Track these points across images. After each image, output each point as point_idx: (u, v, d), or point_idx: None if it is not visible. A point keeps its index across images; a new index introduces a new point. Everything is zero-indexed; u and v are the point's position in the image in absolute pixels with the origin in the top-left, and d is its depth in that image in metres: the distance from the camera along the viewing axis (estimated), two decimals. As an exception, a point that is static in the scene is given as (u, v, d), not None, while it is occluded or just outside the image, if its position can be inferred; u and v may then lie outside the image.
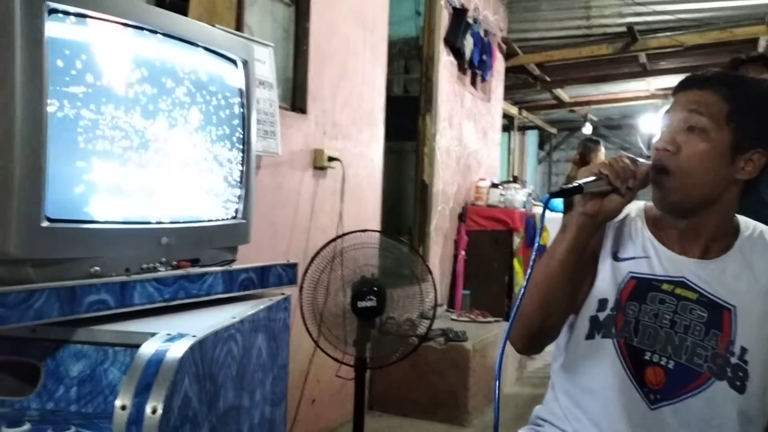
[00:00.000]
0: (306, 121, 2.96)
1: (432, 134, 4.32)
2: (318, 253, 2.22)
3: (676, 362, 1.17)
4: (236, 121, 1.62)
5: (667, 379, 1.17)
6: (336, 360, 2.26)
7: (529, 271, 1.16)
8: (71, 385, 1.15)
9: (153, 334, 1.11)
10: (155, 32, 1.37)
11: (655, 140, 1.23)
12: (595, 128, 9.49)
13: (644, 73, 6.44)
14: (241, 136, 1.64)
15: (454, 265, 4.82)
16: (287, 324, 1.60)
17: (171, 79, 1.41)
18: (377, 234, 2.34)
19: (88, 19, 1.22)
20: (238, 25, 2.47)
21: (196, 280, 1.39)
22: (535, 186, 9.88)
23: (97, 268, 1.24)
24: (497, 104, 5.86)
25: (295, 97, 2.95)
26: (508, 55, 5.87)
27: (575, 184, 1.15)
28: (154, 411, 0.98)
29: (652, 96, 7.61)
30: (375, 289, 2.18)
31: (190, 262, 1.47)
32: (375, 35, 3.57)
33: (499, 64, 5.64)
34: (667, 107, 1.26)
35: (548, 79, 6.78)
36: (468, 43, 4.71)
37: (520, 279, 4.83)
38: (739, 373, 1.16)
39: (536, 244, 1.18)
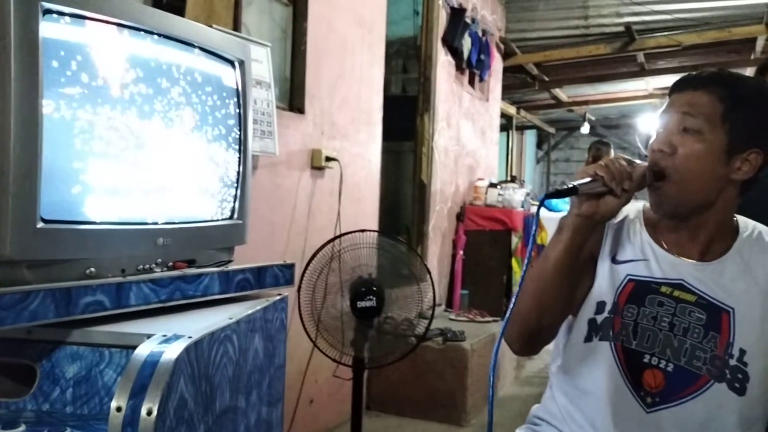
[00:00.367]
0: (303, 121, 2.96)
1: (430, 134, 4.32)
2: (316, 253, 2.22)
3: (675, 365, 1.17)
4: (232, 121, 1.62)
5: (666, 382, 1.17)
6: (334, 360, 2.26)
7: (524, 271, 1.16)
8: (67, 387, 1.15)
9: (149, 336, 1.10)
10: (151, 33, 1.36)
11: (651, 141, 1.23)
12: (593, 128, 9.50)
13: (642, 72, 6.45)
14: (238, 136, 1.64)
15: (452, 264, 4.82)
16: (284, 324, 1.60)
17: (167, 79, 1.40)
18: (375, 234, 2.34)
19: (83, 20, 1.21)
20: (236, 25, 2.47)
21: (193, 280, 1.39)
22: (533, 186, 9.90)
23: (92, 269, 1.23)
24: (495, 104, 5.86)
25: (293, 97, 2.95)
26: (506, 55, 5.87)
27: (570, 185, 1.14)
28: (149, 412, 0.97)
29: (650, 95, 7.62)
30: (374, 289, 2.17)
31: (186, 262, 1.47)
32: (373, 35, 3.57)
33: (497, 64, 5.64)
34: (662, 108, 1.26)
35: (546, 78, 6.79)
36: (466, 43, 4.71)
37: (518, 279, 4.83)
38: (739, 375, 1.16)
39: (531, 244, 1.18)
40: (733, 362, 1.16)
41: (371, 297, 2.16)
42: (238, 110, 1.63)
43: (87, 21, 1.22)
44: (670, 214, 1.23)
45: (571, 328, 1.27)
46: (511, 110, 7.96)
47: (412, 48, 4.71)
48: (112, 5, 1.27)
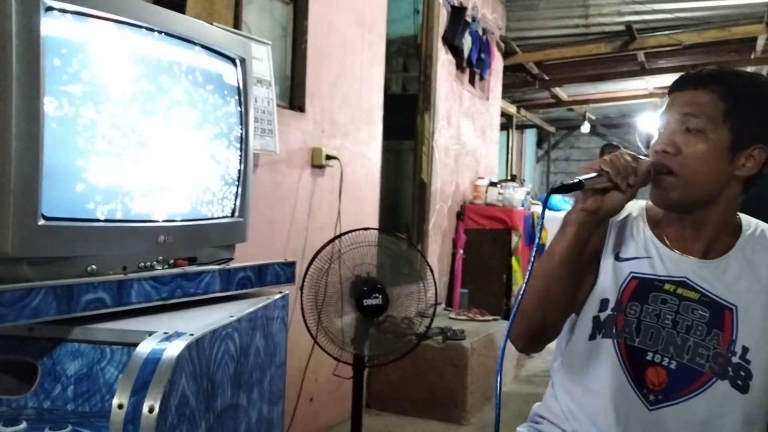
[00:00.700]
0: (304, 120, 2.95)
1: (430, 133, 4.32)
2: (320, 251, 2.22)
3: (678, 362, 1.17)
4: (234, 119, 1.62)
5: (669, 380, 1.17)
6: (335, 359, 2.26)
7: (529, 268, 1.16)
8: (68, 384, 1.15)
9: (150, 333, 1.10)
10: (152, 30, 1.36)
11: (653, 142, 1.23)
12: (593, 127, 9.50)
13: (642, 71, 6.44)
14: (239, 135, 1.63)
15: (452, 263, 4.82)
16: (285, 322, 1.59)
17: (168, 77, 1.40)
18: (378, 232, 2.34)
19: (84, 17, 1.21)
20: (236, 23, 2.46)
21: (194, 278, 1.39)
22: (533, 185, 9.89)
23: (94, 267, 1.23)
24: (495, 103, 5.86)
25: (293, 96, 2.95)
26: (507, 54, 5.87)
27: (576, 180, 1.14)
28: (151, 410, 0.97)
29: (651, 95, 7.62)
30: (378, 286, 2.18)
31: (187, 260, 1.47)
32: (373, 33, 3.57)
33: (497, 63, 5.64)
34: (663, 107, 1.26)
35: (546, 77, 6.78)
36: (466, 42, 4.70)
37: (518, 278, 4.84)
38: (741, 373, 1.16)
39: (536, 242, 1.17)
40: (735, 360, 1.16)
41: (378, 294, 2.16)
42: (239, 108, 1.63)
43: (88, 18, 1.22)
44: (672, 207, 1.23)
45: (574, 325, 1.27)
46: (512, 109, 7.96)
47: (413, 47, 4.71)
48: (114, 2, 1.27)
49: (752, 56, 5.77)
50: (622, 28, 5.41)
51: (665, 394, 1.17)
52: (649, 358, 1.18)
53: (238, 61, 1.62)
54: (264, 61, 2.45)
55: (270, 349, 1.49)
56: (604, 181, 1.15)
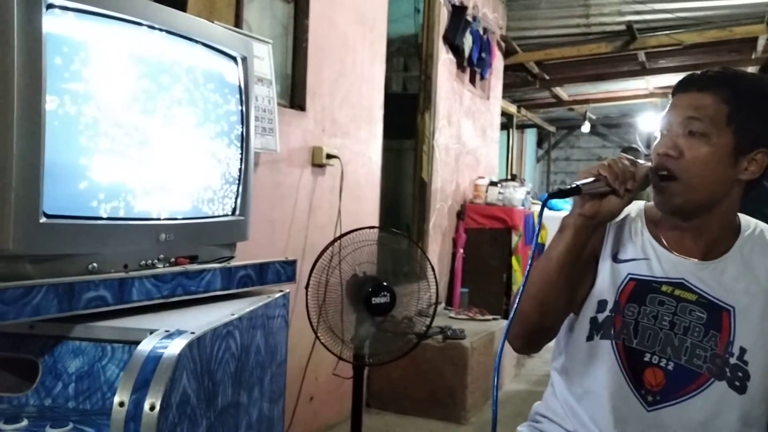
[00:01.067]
0: (305, 118, 2.95)
1: (431, 132, 4.32)
2: (325, 250, 2.22)
3: (676, 363, 1.17)
4: (235, 118, 1.62)
5: (667, 381, 1.17)
6: (338, 357, 2.26)
7: (527, 270, 1.16)
8: (69, 382, 1.15)
9: (151, 331, 1.10)
10: (154, 28, 1.36)
11: (655, 143, 1.23)
12: (593, 127, 9.51)
13: (643, 71, 6.44)
14: (240, 133, 1.63)
15: (452, 263, 4.82)
16: (286, 321, 1.60)
17: (169, 75, 1.40)
18: (381, 231, 2.34)
19: (85, 15, 1.21)
20: (237, 22, 2.46)
21: (195, 276, 1.39)
22: (533, 184, 9.89)
23: (95, 265, 1.23)
24: (496, 102, 5.86)
25: (294, 94, 2.95)
26: (507, 53, 5.87)
27: (573, 185, 1.14)
28: (152, 408, 0.97)
29: (651, 95, 7.62)
30: (384, 284, 2.19)
31: (188, 258, 1.47)
32: (374, 32, 3.57)
33: (498, 62, 5.64)
34: (666, 108, 1.25)
35: (547, 77, 6.78)
36: (467, 41, 4.70)
37: (518, 277, 4.84)
38: (739, 374, 1.16)
39: (534, 244, 1.18)
40: (733, 360, 1.16)
41: (386, 293, 2.17)
42: (240, 107, 1.63)
43: (89, 16, 1.22)
44: (676, 211, 1.23)
45: (573, 326, 1.27)
46: (512, 109, 7.96)
47: (413, 46, 4.71)
48: (115, 0, 1.27)
49: (753, 56, 5.77)
50: (622, 27, 5.41)
51: (663, 394, 1.17)
52: (647, 359, 1.18)
53: (239, 60, 1.63)
54: (265, 60, 2.45)
55: (270, 347, 1.49)
56: (602, 186, 1.14)
